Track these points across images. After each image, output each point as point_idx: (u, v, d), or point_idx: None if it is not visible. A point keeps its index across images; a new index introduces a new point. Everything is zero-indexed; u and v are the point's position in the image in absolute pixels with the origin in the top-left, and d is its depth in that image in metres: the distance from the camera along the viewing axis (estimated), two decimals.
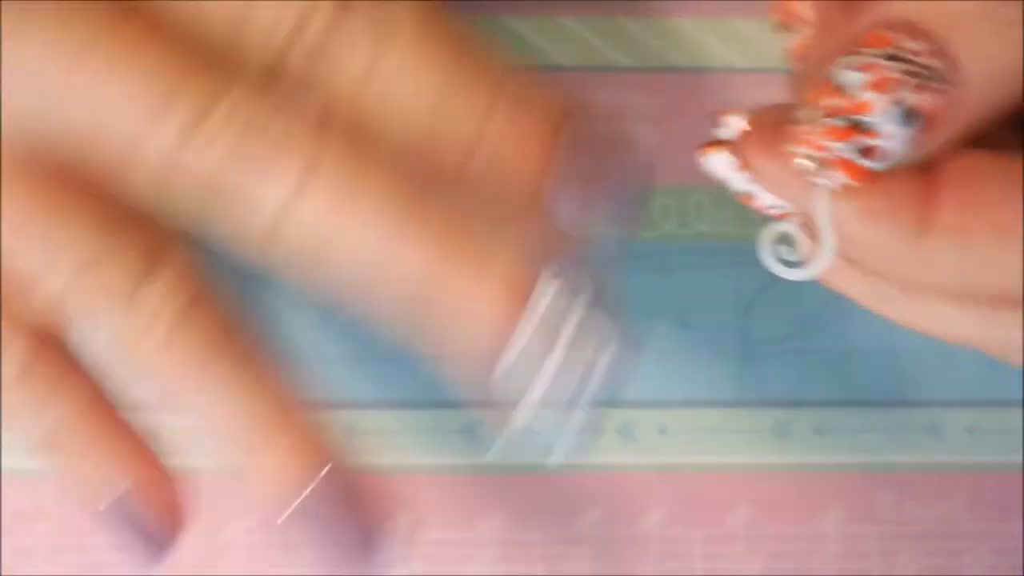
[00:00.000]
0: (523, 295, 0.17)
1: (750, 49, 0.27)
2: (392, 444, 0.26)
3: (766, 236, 0.17)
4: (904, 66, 0.14)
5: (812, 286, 0.27)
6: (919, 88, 0.14)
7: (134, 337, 0.19)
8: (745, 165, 0.16)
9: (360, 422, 0.26)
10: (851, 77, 0.14)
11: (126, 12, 0.18)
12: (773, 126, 0.15)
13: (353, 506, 0.19)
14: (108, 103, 0.17)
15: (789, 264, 0.16)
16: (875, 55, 0.14)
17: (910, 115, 0.14)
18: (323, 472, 0.19)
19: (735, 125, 0.16)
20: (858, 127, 0.14)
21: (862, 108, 0.14)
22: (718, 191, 0.27)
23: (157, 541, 0.22)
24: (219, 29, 0.18)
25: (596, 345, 0.17)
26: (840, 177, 0.14)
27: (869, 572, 0.27)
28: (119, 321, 0.19)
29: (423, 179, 0.18)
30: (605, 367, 0.17)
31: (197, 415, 0.20)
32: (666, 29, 0.27)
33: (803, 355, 0.26)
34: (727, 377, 0.26)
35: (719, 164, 0.16)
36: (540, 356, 0.17)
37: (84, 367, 0.21)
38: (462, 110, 0.18)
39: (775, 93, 0.27)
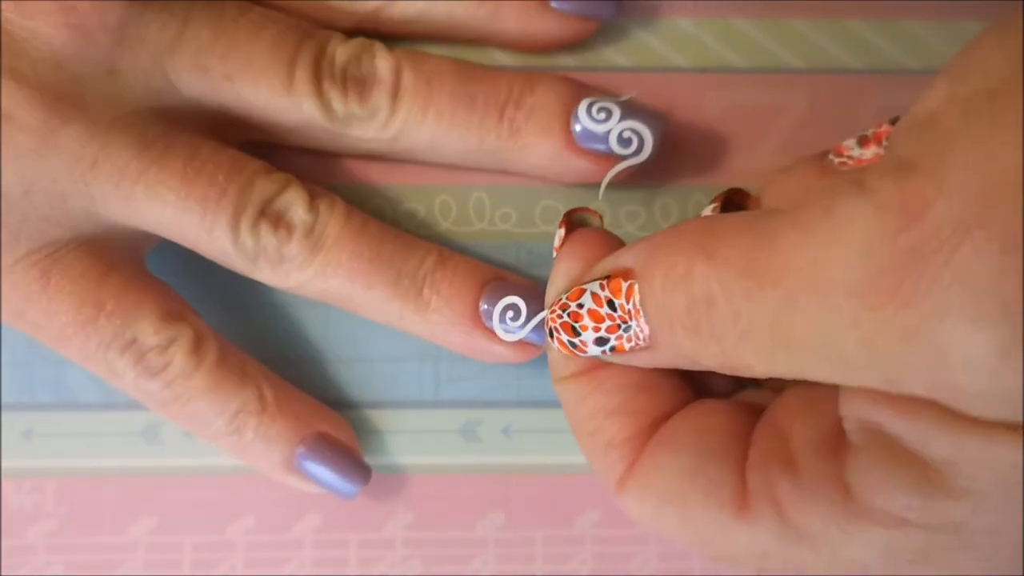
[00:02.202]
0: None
1: (751, 49, 0.27)
2: (392, 444, 0.26)
3: (501, 302, 0.23)
4: (616, 313, 0.19)
5: None
6: (616, 332, 0.19)
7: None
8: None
9: (360, 422, 0.26)
10: (585, 299, 0.20)
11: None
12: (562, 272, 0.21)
13: None
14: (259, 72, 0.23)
15: (505, 327, 0.23)
16: (605, 295, 0.19)
17: (603, 342, 0.20)
18: None
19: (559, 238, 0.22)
20: (574, 330, 0.20)
21: (579, 321, 0.20)
22: (718, 191, 0.27)
23: (354, 469, 0.24)
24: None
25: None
26: (556, 344, 0.20)
27: (869, 571, 0.27)
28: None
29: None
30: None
31: None
32: (667, 30, 0.27)
33: None
34: (727, 376, 0.26)
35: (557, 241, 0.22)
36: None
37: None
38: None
39: (775, 93, 0.27)
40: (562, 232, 0.22)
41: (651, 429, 0.20)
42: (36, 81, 0.22)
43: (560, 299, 0.20)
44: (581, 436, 0.21)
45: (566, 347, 0.20)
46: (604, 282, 0.19)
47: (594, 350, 0.20)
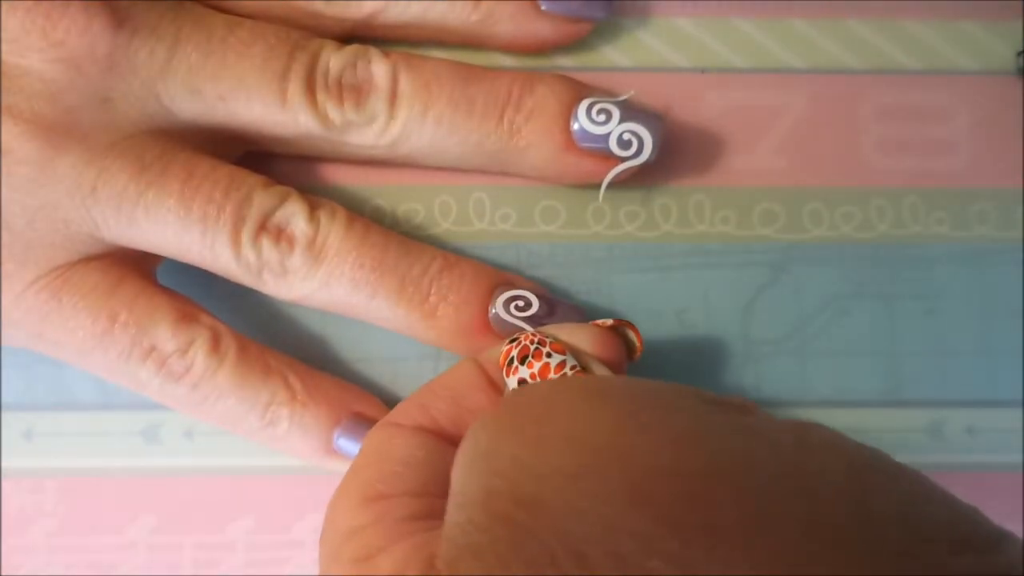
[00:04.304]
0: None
1: (751, 49, 0.27)
2: None
3: (505, 294, 0.24)
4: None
5: (811, 288, 0.27)
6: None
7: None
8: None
9: None
10: (561, 360, 0.21)
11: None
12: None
13: None
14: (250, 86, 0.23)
15: (510, 313, 0.24)
16: (567, 373, 0.21)
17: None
18: None
19: (535, 304, 0.24)
20: (524, 358, 0.21)
21: (537, 358, 0.21)
22: (718, 191, 0.27)
23: None
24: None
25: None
26: (507, 345, 0.22)
27: None
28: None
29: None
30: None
31: None
32: (667, 29, 0.27)
33: (803, 355, 0.26)
34: (727, 377, 0.26)
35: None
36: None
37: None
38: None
39: (775, 93, 0.27)
40: (610, 322, 0.23)
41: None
42: (31, 115, 0.22)
43: (555, 339, 0.22)
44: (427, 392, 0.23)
45: (507, 354, 0.22)
46: (578, 368, 0.21)
47: (512, 382, 0.21)
